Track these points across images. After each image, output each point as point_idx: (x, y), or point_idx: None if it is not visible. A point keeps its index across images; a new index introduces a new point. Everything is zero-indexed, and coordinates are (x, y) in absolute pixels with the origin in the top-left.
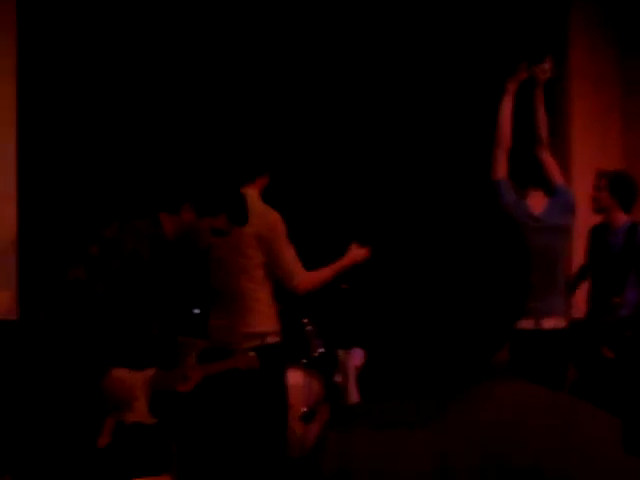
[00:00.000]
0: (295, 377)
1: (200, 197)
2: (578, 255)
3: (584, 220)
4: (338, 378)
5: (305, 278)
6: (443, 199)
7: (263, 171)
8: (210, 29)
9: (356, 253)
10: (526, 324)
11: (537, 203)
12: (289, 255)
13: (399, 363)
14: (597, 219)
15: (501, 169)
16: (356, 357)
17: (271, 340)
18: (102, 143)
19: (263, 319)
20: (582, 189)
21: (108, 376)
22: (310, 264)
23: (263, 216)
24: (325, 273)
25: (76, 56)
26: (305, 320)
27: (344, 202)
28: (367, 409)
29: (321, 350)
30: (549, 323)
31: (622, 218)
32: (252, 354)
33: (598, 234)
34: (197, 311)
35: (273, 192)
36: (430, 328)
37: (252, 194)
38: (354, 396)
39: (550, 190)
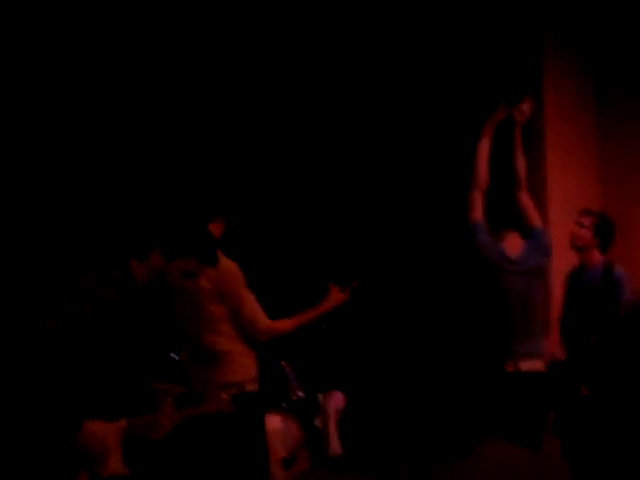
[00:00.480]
0: (273, 422)
1: (169, 240)
2: (556, 295)
3: (561, 260)
4: (318, 422)
5: (266, 327)
6: (421, 242)
7: (213, 215)
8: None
9: (336, 297)
10: (505, 366)
11: (513, 245)
12: (249, 304)
13: (381, 409)
14: (574, 258)
15: (477, 211)
16: (336, 400)
17: (249, 388)
18: (68, 191)
19: (238, 368)
20: (559, 230)
21: (82, 429)
22: (286, 308)
23: (220, 269)
24: (292, 322)
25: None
26: (284, 363)
27: (319, 246)
28: (355, 464)
29: (300, 394)
30: (526, 365)
31: (598, 258)
32: (225, 397)
33: (575, 277)
34: (176, 357)
35: (246, 236)
36: (411, 373)
37: None
38: (335, 440)
39: (526, 232)
